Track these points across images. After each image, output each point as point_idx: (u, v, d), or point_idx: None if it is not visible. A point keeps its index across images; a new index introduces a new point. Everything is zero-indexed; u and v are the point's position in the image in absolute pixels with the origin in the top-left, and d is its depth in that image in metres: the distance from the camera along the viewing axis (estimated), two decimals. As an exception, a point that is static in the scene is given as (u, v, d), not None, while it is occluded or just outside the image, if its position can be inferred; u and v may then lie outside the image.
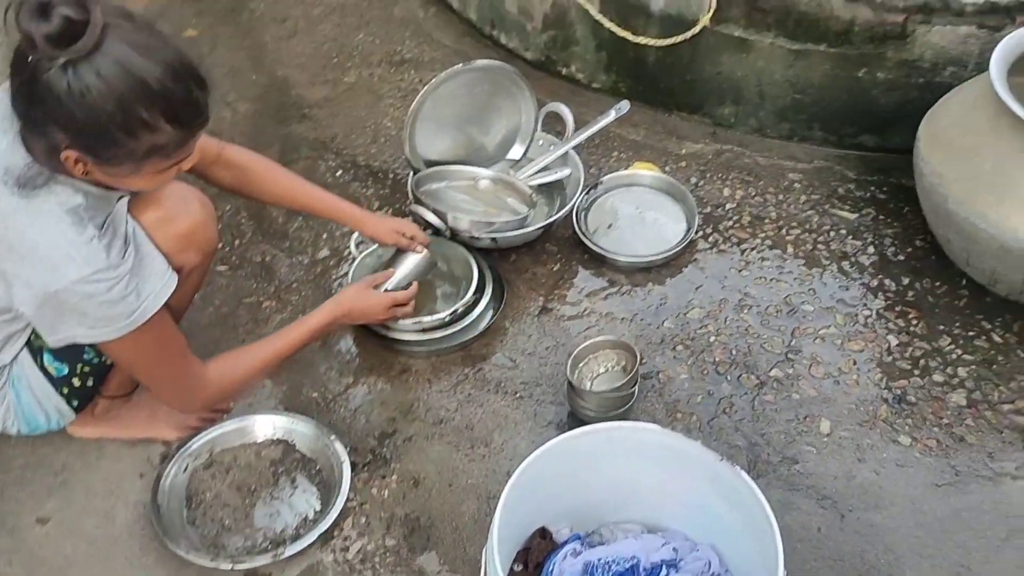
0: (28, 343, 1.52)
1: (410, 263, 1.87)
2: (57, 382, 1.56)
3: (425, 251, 1.88)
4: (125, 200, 1.41)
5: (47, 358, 1.53)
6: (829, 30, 2.16)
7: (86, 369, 1.56)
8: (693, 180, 2.33)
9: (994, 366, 1.87)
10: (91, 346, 1.49)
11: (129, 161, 1.25)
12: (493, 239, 2.05)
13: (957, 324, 1.95)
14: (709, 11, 2.23)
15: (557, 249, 2.16)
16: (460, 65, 2.11)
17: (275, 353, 1.62)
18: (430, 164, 2.20)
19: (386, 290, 1.81)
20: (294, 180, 1.82)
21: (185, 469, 1.66)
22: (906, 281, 2.05)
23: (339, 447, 1.69)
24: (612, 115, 2.22)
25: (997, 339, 1.92)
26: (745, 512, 1.28)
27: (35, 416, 1.60)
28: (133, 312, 1.33)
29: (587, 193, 2.21)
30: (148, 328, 1.37)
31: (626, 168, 2.31)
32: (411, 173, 2.17)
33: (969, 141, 1.86)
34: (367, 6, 2.99)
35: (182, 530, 1.57)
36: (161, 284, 1.38)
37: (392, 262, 1.89)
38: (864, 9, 2.11)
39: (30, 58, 1.17)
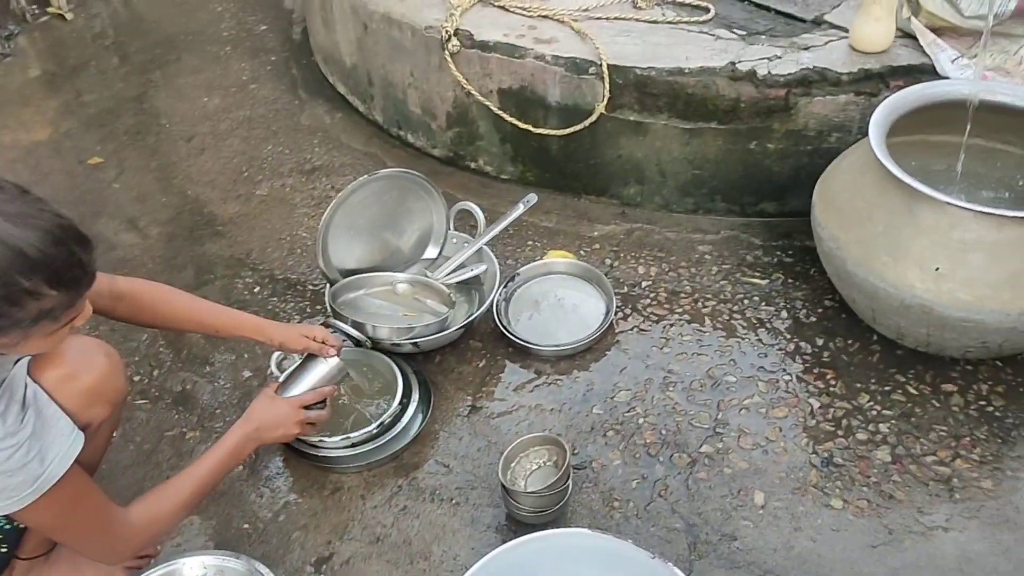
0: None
1: (320, 369, 1.81)
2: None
3: (336, 357, 1.84)
4: (23, 362, 1.38)
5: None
6: (717, 109, 2.26)
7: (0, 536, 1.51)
8: (608, 262, 2.38)
9: (912, 418, 1.92)
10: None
11: (16, 329, 1.23)
12: (415, 344, 2.06)
13: (873, 380, 2.01)
14: (603, 99, 2.31)
15: (482, 345, 2.17)
16: (366, 176, 2.13)
17: (196, 486, 1.57)
18: (347, 273, 2.21)
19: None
20: (190, 301, 1.79)
21: (112, 624, 1.59)
22: (820, 342, 2.11)
23: (273, 580, 1.64)
24: (520, 208, 2.26)
25: (912, 391, 1.98)
26: (682, 608, 1.28)
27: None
28: (37, 479, 1.29)
29: (505, 286, 2.24)
30: (59, 490, 1.32)
31: (541, 257, 2.35)
32: (327, 285, 2.17)
33: (860, 204, 1.95)
34: (274, 116, 3.02)
35: None
36: (67, 445, 1.34)
37: (301, 368, 1.84)
38: (747, 87, 2.21)
39: None
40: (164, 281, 2.35)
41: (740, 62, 2.23)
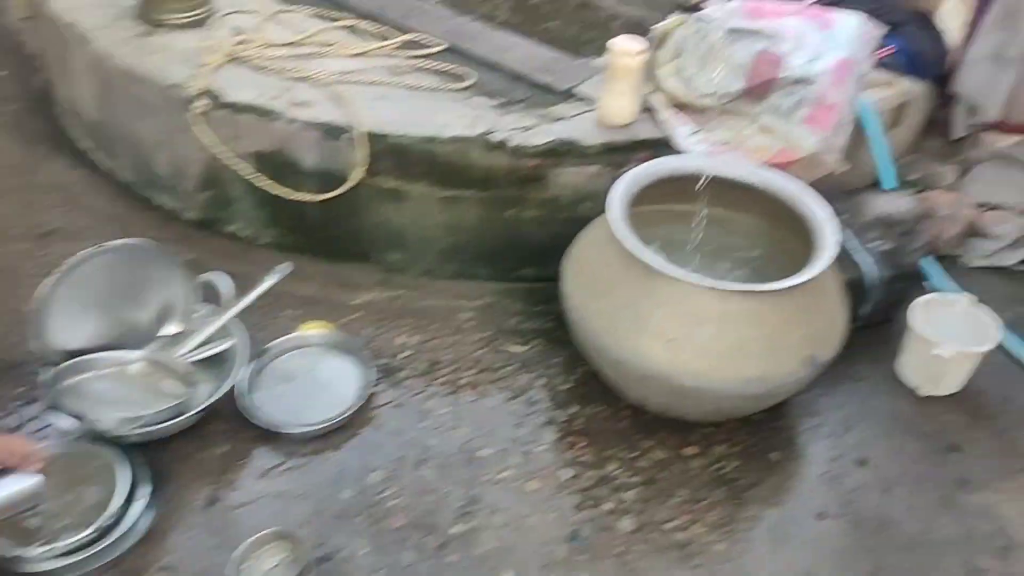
0: None
1: (8, 487, 1.58)
2: None
3: (39, 475, 1.61)
4: None
5: None
6: (473, 177, 2.26)
7: None
8: (368, 331, 2.30)
9: (656, 484, 1.97)
10: None
11: None
12: (145, 433, 1.89)
13: (622, 447, 2.04)
14: (360, 165, 2.25)
15: (226, 427, 2.03)
16: (92, 248, 1.96)
17: None
18: (73, 354, 2.00)
19: None
20: None
21: None
22: (574, 410, 2.13)
23: None
24: (272, 279, 2.15)
25: (658, 456, 2.03)
26: None
27: None
28: None
29: (253, 363, 2.11)
30: None
31: (294, 330, 2.24)
32: (44, 371, 1.96)
33: (604, 276, 1.99)
34: (7, 173, 2.73)
35: None
36: None
37: None
38: (501, 157, 2.23)
39: None
40: None
41: (494, 132, 2.24)
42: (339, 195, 2.30)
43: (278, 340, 2.19)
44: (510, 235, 2.36)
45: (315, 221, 2.41)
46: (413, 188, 2.30)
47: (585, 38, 4.47)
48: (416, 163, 2.26)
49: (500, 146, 2.22)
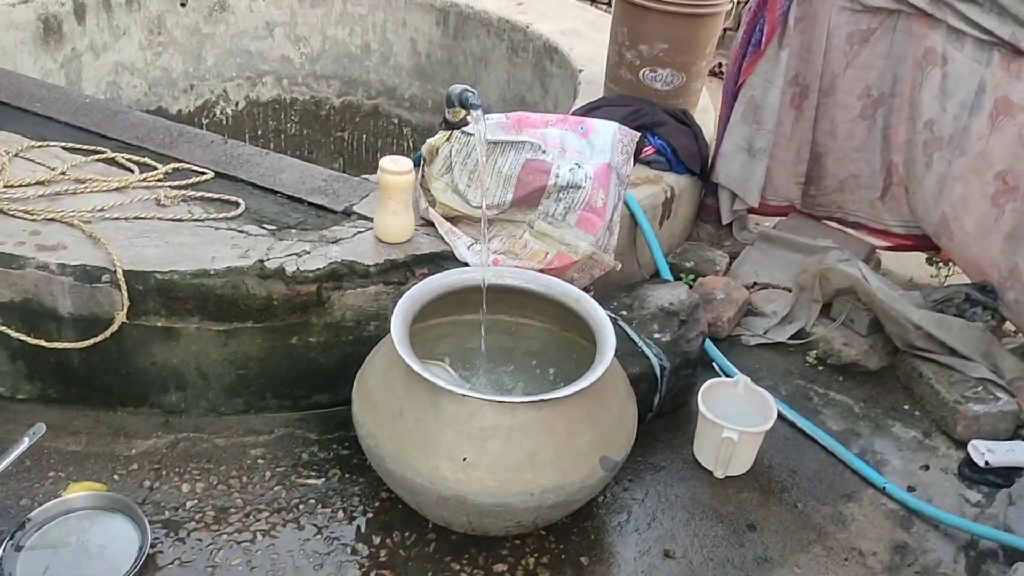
0: None
1: None
2: None
3: None
4: None
5: None
6: (250, 308, 2.16)
7: None
8: (147, 484, 2.12)
9: (466, 610, 1.89)
10: None
11: None
12: None
13: (430, 573, 1.96)
14: (123, 308, 2.10)
15: (-23, 620, 1.79)
16: None
17: None
18: None
19: None
20: None
21: None
22: (378, 540, 2.03)
23: None
24: (24, 443, 1.94)
25: (468, 578, 1.96)
26: None
27: None
28: None
29: (12, 537, 1.87)
30: None
31: (58, 495, 2.02)
32: None
33: (391, 399, 1.93)
34: None
35: None
36: None
37: None
38: (278, 285, 2.15)
39: None
40: None
41: (268, 259, 2.16)
42: (103, 340, 2.14)
43: (39, 508, 1.96)
44: (297, 363, 2.26)
45: (79, 369, 2.22)
46: (187, 325, 2.17)
47: (376, 147, 4.54)
48: (187, 299, 2.14)
49: (276, 273, 2.15)
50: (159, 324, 2.16)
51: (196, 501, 2.09)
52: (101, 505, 2.00)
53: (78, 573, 1.88)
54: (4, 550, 1.85)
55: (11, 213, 2.22)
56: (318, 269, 2.17)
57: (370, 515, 2.09)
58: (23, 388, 2.27)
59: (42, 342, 2.15)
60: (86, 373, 2.23)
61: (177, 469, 2.17)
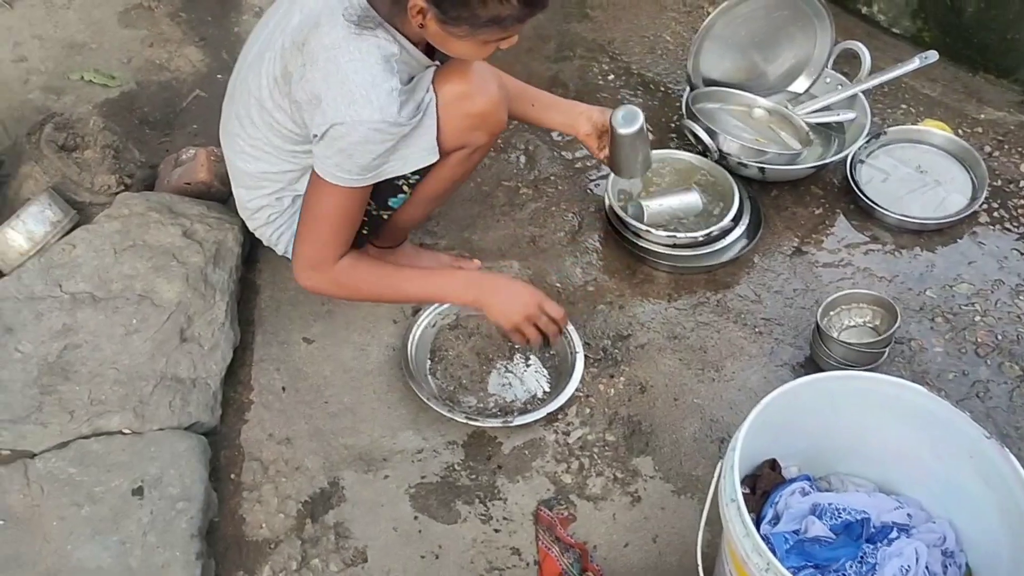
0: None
1: (679, 199, 1.88)
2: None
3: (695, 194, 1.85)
4: (431, 70, 1.48)
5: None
6: None
7: (363, 218, 1.67)
8: (987, 149, 2.15)
9: None
10: (373, 198, 1.58)
11: (467, 25, 1.31)
12: (761, 169, 2.00)
13: None
14: (1056, -34, 2.01)
15: (823, 193, 2.08)
16: (763, -14, 2.03)
17: (399, 293, 1.62)
18: (708, 83, 2.16)
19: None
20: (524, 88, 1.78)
21: (433, 325, 1.77)
22: None
23: (576, 337, 1.74)
24: (916, 63, 2.06)
25: None
26: (1003, 497, 1.21)
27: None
28: (379, 168, 1.42)
29: (867, 142, 2.09)
30: (355, 194, 1.46)
31: (915, 123, 2.16)
32: (687, 89, 2.14)
33: None
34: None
35: (424, 378, 1.69)
36: (417, 156, 1.45)
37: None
38: None
39: None
40: (526, 49, 2.45)
41: None
42: (1013, -4, 2.09)
43: (897, 127, 2.14)
44: None
45: (968, 20, 2.23)
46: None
47: None
48: None
49: None
50: (1080, -4, 2.03)
51: (1030, 184, 2.08)
52: (950, 148, 2.10)
53: (908, 194, 2.03)
54: (858, 150, 2.06)
55: None
56: None
57: None
58: (902, 23, 2.39)
59: (952, -19, 2.18)
60: (971, 26, 2.24)
61: (1020, 148, 2.15)
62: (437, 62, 1.51)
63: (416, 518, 1.53)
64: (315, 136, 1.43)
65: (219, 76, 2.25)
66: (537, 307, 1.57)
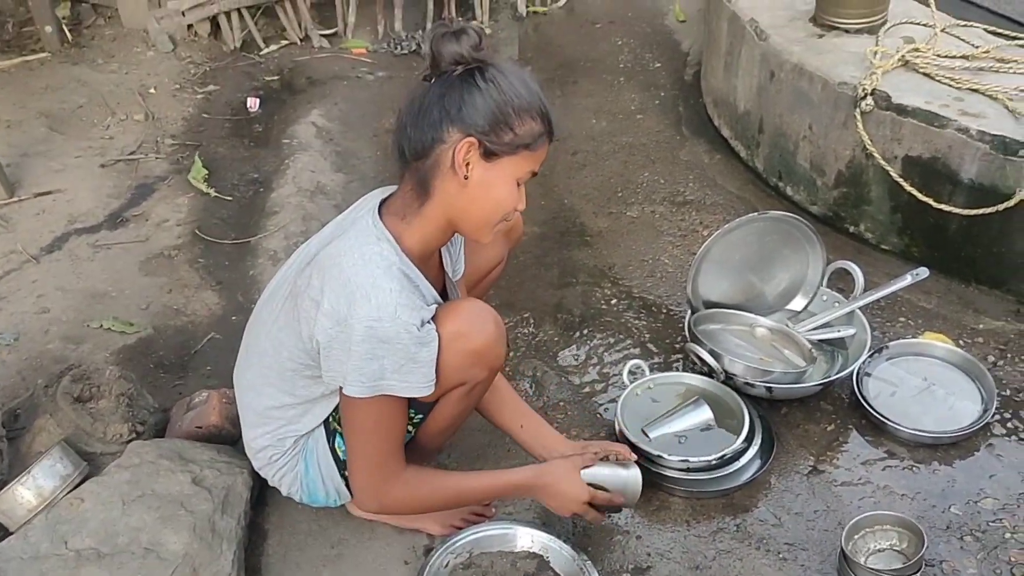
0: (326, 422, 1.66)
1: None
2: (342, 465, 1.67)
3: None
4: (435, 306, 1.54)
5: (339, 441, 1.65)
6: None
7: None
8: (991, 359, 2.17)
9: None
10: None
11: (507, 153, 1.46)
12: (768, 388, 2.01)
13: None
14: (1027, 185, 2.12)
15: (832, 409, 2.08)
16: (756, 213, 2.15)
17: (462, 495, 1.70)
18: (708, 306, 2.22)
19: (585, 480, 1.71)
20: (513, 397, 1.89)
21: (446, 565, 1.71)
22: None
23: (594, 574, 1.68)
24: (908, 279, 2.13)
25: None
26: None
27: (317, 490, 1.73)
28: (383, 378, 1.45)
29: (870, 357, 2.12)
30: (383, 404, 1.49)
31: (914, 336, 2.20)
32: (689, 312, 2.20)
33: None
34: (654, 148, 3.12)
35: (439, 623, 1.61)
36: (416, 383, 1.49)
37: (672, 413, 1.97)
38: None
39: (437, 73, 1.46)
40: (531, 277, 2.55)
41: None
42: (992, 213, 2.19)
43: (898, 341, 2.17)
44: None
45: (953, 235, 2.33)
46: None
47: None
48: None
49: None
50: (1055, 211, 2.13)
51: (1039, 392, 2.08)
52: (953, 360, 2.12)
53: (918, 408, 2.03)
54: (863, 365, 2.08)
55: (937, 79, 2.38)
56: None
57: None
58: (890, 239, 2.49)
59: (931, 201, 2.29)
60: (957, 241, 2.33)
61: (1021, 355, 2.17)
62: (441, 301, 1.57)
63: None
64: (318, 344, 1.48)
65: (234, 318, 2.32)
66: (582, 507, 1.70)
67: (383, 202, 1.57)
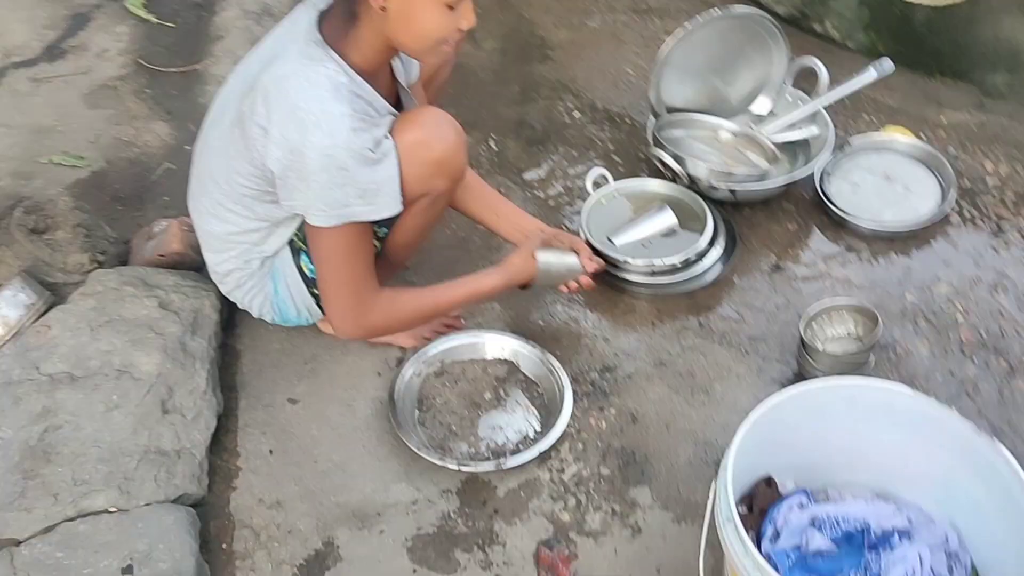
0: (291, 242, 1.65)
1: (651, 224, 1.90)
2: (310, 282, 1.67)
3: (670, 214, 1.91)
4: (390, 117, 1.50)
5: (304, 259, 1.65)
6: None
7: None
8: (951, 151, 2.18)
9: None
10: None
11: None
12: (731, 191, 2.01)
13: None
14: (997, -32, 2.06)
15: (795, 208, 2.09)
16: (717, 11, 2.06)
17: (439, 306, 1.69)
18: (671, 111, 2.18)
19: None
20: (490, 193, 1.87)
21: (418, 374, 1.76)
22: None
23: (563, 374, 1.73)
24: (873, 74, 2.09)
25: None
26: (1000, 492, 1.20)
27: (287, 310, 1.74)
28: (347, 205, 1.43)
29: (833, 154, 2.11)
30: (350, 231, 1.47)
31: (877, 131, 2.19)
32: (652, 118, 2.16)
33: None
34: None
35: (413, 428, 1.67)
36: (384, 203, 1.47)
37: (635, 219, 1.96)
38: None
39: None
40: (491, 94, 2.48)
41: None
42: (959, 3, 2.13)
43: (860, 136, 2.16)
44: None
45: (919, 28, 2.28)
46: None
47: None
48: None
49: None
50: (1023, -5, 2.08)
51: (998, 181, 2.10)
52: (914, 153, 2.12)
53: (878, 202, 2.05)
54: (824, 163, 2.08)
55: None
56: None
57: None
58: (855, 36, 2.43)
59: (900, -9, 2.23)
60: (922, 33, 2.28)
61: (983, 147, 2.18)
62: (390, 114, 1.53)
63: (415, 571, 1.50)
64: (272, 173, 1.45)
65: (187, 147, 2.25)
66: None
67: (323, 15, 1.49)
